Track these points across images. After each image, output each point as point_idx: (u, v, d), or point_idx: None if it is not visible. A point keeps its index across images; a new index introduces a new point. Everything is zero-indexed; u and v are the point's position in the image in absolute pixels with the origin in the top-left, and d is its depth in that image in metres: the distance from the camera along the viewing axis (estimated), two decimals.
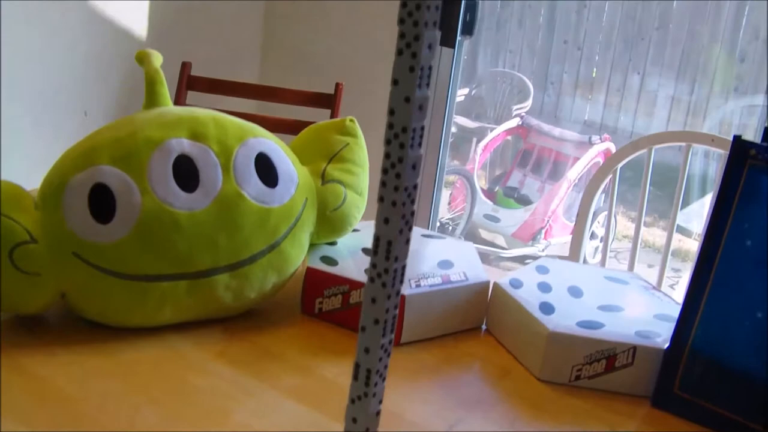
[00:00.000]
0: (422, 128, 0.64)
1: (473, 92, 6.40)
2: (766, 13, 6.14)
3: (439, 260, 1.36)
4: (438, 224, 4.68)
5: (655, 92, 6.71)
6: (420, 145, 0.63)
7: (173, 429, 0.96)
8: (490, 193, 5.24)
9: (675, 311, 1.27)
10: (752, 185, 1.12)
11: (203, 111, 1.29)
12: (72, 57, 2.70)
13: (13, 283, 1.11)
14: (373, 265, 0.65)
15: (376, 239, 0.63)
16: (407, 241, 0.64)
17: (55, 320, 1.19)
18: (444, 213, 4.97)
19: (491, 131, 5.70)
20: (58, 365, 1.07)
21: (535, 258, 4.98)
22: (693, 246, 4.95)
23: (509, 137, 5.46)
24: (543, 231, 4.87)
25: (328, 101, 2.72)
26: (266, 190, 1.22)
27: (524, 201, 5.16)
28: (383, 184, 0.63)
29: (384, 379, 0.65)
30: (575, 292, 1.31)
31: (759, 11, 6.23)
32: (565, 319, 1.21)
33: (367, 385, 0.64)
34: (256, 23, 3.26)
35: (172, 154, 1.18)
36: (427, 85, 0.64)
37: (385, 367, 0.65)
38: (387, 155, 0.63)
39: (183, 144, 1.20)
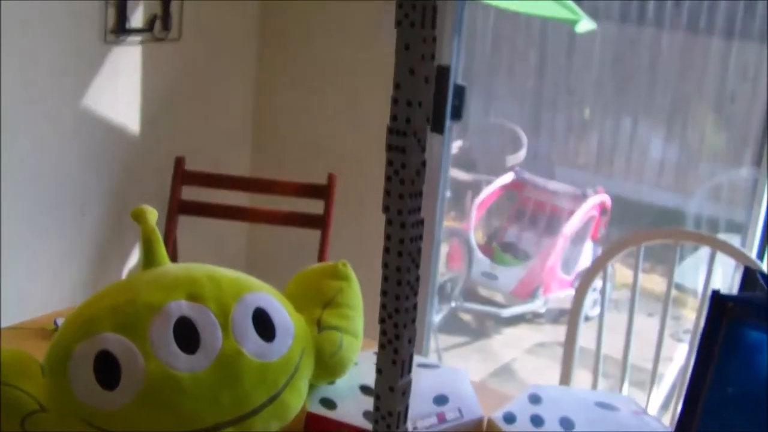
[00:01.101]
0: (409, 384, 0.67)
1: (467, 144, 6.45)
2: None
3: (434, 395, 1.39)
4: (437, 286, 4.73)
5: (647, 132, 6.77)
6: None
7: None
8: (487, 248, 5.28)
9: None
10: (732, 336, 1.16)
11: (199, 269, 1.33)
12: (66, 156, 2.75)
13: None
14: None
15: None
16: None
17: None
18: (442, 270, 5.00)
19: (486, 184, 5.75)
20: None
21: (536, 315, 5.02)
22: (690, 298, 4.98)
23: (504, 192, 5.51)
24: (541, 287, 4.90)
25: (321, 192, 2.76)
26: (264, 345, 1.26)
27: (522, 256, 5.19)
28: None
29: None
30: (567, 423, 1.35)
31: (749, 53, 6.30)
32: None
33: None
34: (246, 114, 3.32)
35: (172, 318, 1.23)
36: (409, 370, 0.68)
37: None
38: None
39: (182, 306, 1.24)
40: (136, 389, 1.18)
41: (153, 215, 1.40)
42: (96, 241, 2.91)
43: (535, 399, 1.43)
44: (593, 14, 6.60)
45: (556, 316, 5.11)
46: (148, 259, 1.36)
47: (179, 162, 2.84)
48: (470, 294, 5.05)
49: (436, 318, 4.60)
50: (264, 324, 1.29)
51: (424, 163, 0.63)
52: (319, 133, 3.20)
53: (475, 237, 5.21)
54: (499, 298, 5.08)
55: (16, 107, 2.56)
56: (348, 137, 3.11)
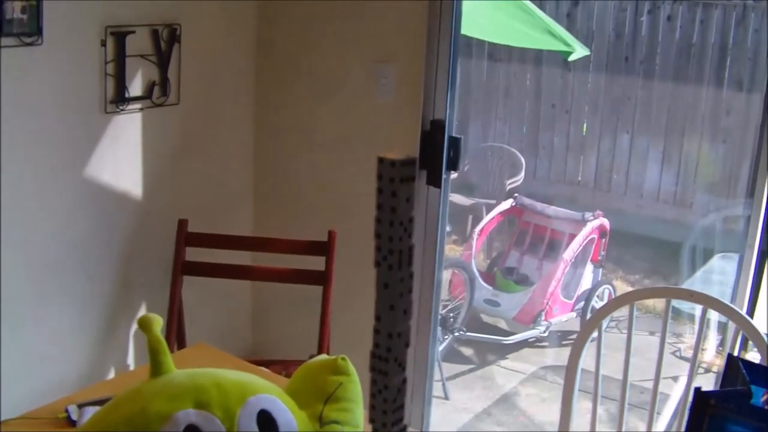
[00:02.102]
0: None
1: (466, 168, 6.51)
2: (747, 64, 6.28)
3: None
4: (438, 316, 4.78)
5: (645, 148, 6.82)
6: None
7: None
8: (489, 275, 5.33)
9: None
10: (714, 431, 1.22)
11: (205, 375, 1.38)
12: (71, 224, 2.81)
13: None
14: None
15: None
16: None
17: None
18: (445, 299, 5.05)
19: (485, 208, 5.80)
20: None
21: (539, 340, 5.07)
22: (696, 311, 5.03)
23: (504, 218, 5.56)
24: (543, 312, 4.96)
25: (322, 249, 2.82)
26: None
27: (523, 281, 5.24)
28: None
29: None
30: None
31: (740, 62, 6.36)
32: None
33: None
34: (246, 173, 3.38)
35: (180, 426, 1.29)
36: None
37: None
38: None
39: (190, 415, 1.30)
40: None
41: (158, 323, 1.46)
42: (103, 305, 2.97)
43: None
44: (587, 35, 6.68)
45: (558, 340, 5.16)
46: (156, 368, 1.42)
47: (182, 224, 2.90)
48: (473, 321, 5.10)
49: (440, 347, 4.66)
50: (268, 425, 1.35)
51: (404, 381, 0.69)
52: (319, 188, 3.25)
53: (477, 264, 5.26)
54: (502, 324, 5.13)
55: (20, 177, 2.62)
56: (347, 192, 3.17)
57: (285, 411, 1.38)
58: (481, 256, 5.76)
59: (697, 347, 2.15)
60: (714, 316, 3.61)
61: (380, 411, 0.69)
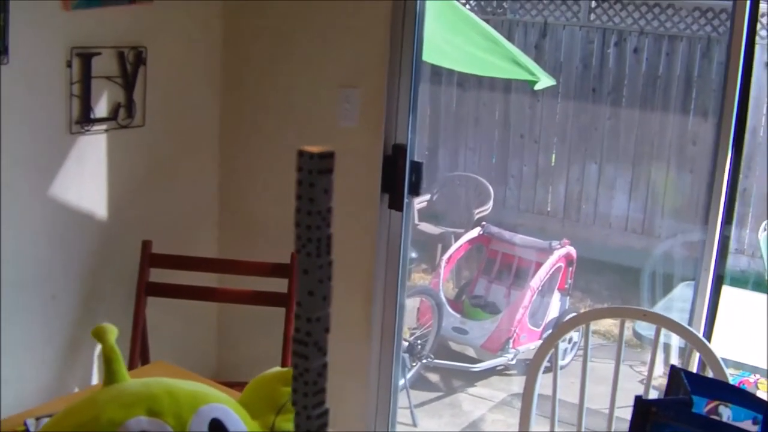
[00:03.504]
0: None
1: (435, 197, 6.55)
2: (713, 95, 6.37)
3: None
4: (406, 344, 4.80)
5: (612, 178, 6.89)
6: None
7: None
8: (456, 303, 5.35)
9: None
10: None
11: (158, 384, 1.40)
12: (36, 243, 2.81)
13: None
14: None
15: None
16: None
17: None
18: (413, 326, 5.07)
19: (454, 237, 5.84)
20: None
21: (506, 367, 5.09)
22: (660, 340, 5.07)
23: (472, 246, 5.59)
24: (511, 340, 4.98)
25: (285, 271, 2.84)
26: None
27: (492, 309, 5.26)
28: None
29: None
30: None
31: (705, 93, 6.46)
32: None
33: None
34: (211, 195, 3.39)
35: None
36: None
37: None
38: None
39: (141, 422, 1.32)
40: None
41: (112, 333, 1.47)
42: (67, 324, 2.97)
43: None
44: (555, 66, 6.77)
45: (526, 367, 5.18)
46: (110, 376, 1.44)
47: (146, 245, 2.91)
48: (442, 349, 5.11)
49: (408, 374, 4.67)
50: None
51: (325, 365, 0.71)
52: (283, 211, 3.26)
53: (445, 291, 5.29)
54: (470, 352, 5.14)
55: None
56: None
57: (237, 420, 1.40)
58: (449, 285, 5.78)
59: (651, 366, 2.17)
60: (675, 342, 3.64)
61: (301, 394, 0.72)
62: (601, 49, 6.84)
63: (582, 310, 5.74)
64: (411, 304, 4.99)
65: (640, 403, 1.26)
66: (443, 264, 5.30)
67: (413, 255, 5.50)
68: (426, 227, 6.15)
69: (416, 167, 2.96)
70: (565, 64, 6.88)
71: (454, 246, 5.45)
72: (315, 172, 0.75)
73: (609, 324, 5.77)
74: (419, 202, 6.25)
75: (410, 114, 2.93)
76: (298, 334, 0.72)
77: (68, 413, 1.36)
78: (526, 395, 2.20)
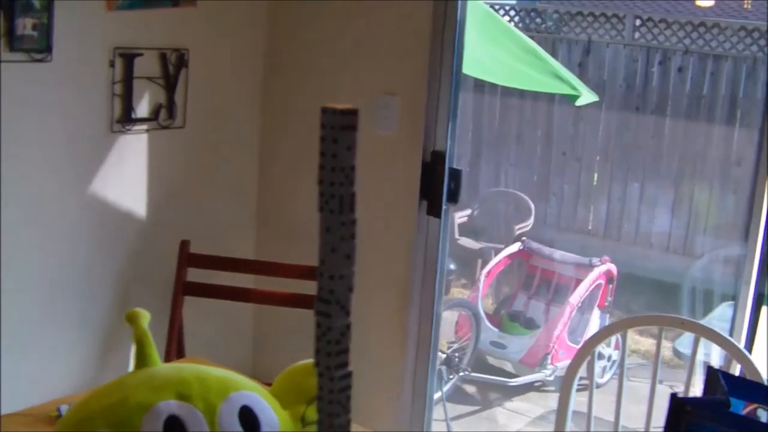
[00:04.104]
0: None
1: (475, 212, 6.52)
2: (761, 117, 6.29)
3: None
4: (444, 356, 4.77)
5: (655, 197, 6.82)
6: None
7: None
8: (495, 318, 5.32)
9: None
10: None
11: (188, 369, 1.39)
12: (74, 241, 2.83)
13: None
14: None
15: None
16: None
17: None
18: (451, 339, 5.03)
19: (494, 252, 5.80)
20: None
21: (544, 384, 5.04)
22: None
23: (512, 261, 5.56)
24: (549, 356, 4.93)
25: None
26: None
27: (530, 324, 5.22)
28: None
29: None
30: None
31: (751, 114, 6.38)
32: None
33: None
34: (251, 197, 3.40)
35: (161, 417, 1.29)
36: None
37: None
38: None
39: (171, 406, 1.31)
40: None
41: (145, 318, 1.47)
42: (104, 324, 2.98)
43: None
44: (598, 83, 6.73)
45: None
46: (140, 360, 1.43)
47: (184, 245, 2.92)
48: (479, 363, 5.08)
49: (445, 387, 4.63)
50: (250, 421, 1.35)
51: (348, 326, 0.70)
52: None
53: (484, 306, 5.25)
54: (508, 366, 5.10)
55: (24, 193, 2.65)
56: None
57: (267, 408, 1.38)
58: (488, 300, 5.75)
59: (689, 378, 2.13)
60: (716, 358, 3.58)
61: (324, 354, 0.70)
62: (645, 68, 6.78)
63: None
64: (449, 317, 4.96)
65: (675, 401, 1.23)
66: (482, 278, 5.27)
67: (451, 267, 5.48)
68: (466, 242, 6.13)
69: (455, 174, 2.94)
70: (609, 82, 6.84)
71: (494, 260, 5.42)
72: (338, 128, 0.74)
73: (649, 344, 5.70)
74: (460, 216, 6.23)
75: (449, 121, 2.91)
76: (321, 293, 0.71)
77: (96, 395, 1.36)
78: (563, 400, 2.17)
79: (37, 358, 2.79)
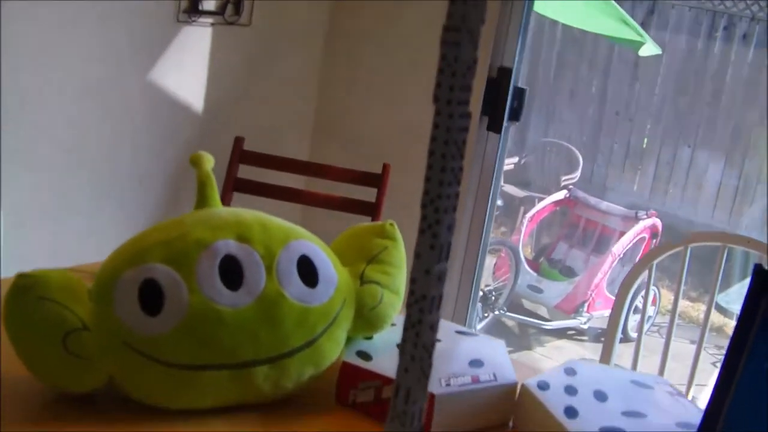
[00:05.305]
0: (440, 296, 0.68)
1: (522, 161, 6.46)
2: None
3: (470, 359, 1.41)
4: (481, 293, 4.73)
5: (705, 165, 6.72)
6: (438, 309, 0.69)
7: None
8: (534, 264, 5.28)
9: (698, 420, 1.31)
10: None
11: (249, 214, 1.36)
12: (130, 128, 2.81)
13: (64, 365, 1.19)
14: (393, 407, 0.70)
15: (397, 386, 0.69)
16: (425, 388, 0.70)
17: (100, 398, 1.26)
18: (488, 280, 5.00)
19: (538, 201, 5.75)
20: None
21: (578, 332, 5.00)
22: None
23: (556, 209, 5.50)
24: (586, 304, 4.89)
25: (376, 181, 2.79)
26: (307, 291, 1.29)
27: (568, 273, 5.18)
28: (404, 340, 0.69)
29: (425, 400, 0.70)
30: (600, 396, 1.36)
31: None
32: (589, 424, 1.25)
33: (406, 404, 0.69)
34: (309, 102, 3.36)
35: (218, 255, 1.26)
36: (446, 258, 0.69)
37: (425, 388, 0.69)
38: (408, 316, 0.68)
39: (230, 245, 1.28)
40: (178, 319, 1.21)
41: (209, 161, 1.44)
42: (152, 211, 2.97)
43: (570, 372, 1.44)
44: (659, 45, 6.60)
45: (598, 335, 5.09)
46: (201, 201, 1.41)
47: (238, 141, 2.89)
48: (514, 306, 5.04)
49: (479, 324, 4.61)
50: (308, 271, 1.32)
51: (475, 61, 0.65)
52: (379, 125, 3.24)
53: (524, 252, 5.21)
54: (542, 311, 5.07)
55: (86, 74, 2.63)
56: (403, 135, 3.15)
57: (326, 261, 1.35)
58: (529, 246, 5.70)
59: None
60: None
61: (446, 87, 0.65)
62: (708, 32, 6.65)
63: (662, 290, 5.62)
64: (488, 259, 4.94)
65: (760, 271, 1.18)
66: (526, 222, 5.22)
67: (498, 202, 5.43)
68: (510, 189, 6.07)
69: (519, 93, 2.89)
70: (670, 44, 6.71)
71: (539, 206, 5.37)
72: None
73: (686, 305, 5.63)
74: (506, 163, 6.17)
75: (519, 37, 2.85)
76: (450, 20, 0.66)
77: (153, 231, 1.33)
78: (614, 315, 2.13)
79: (88, 235, 2.79)
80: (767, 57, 6.35)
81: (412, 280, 0.68)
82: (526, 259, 5.15)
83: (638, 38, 4.84)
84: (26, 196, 2.59)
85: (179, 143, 2.97)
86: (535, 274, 5.08)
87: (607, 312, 4.99)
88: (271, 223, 1.35)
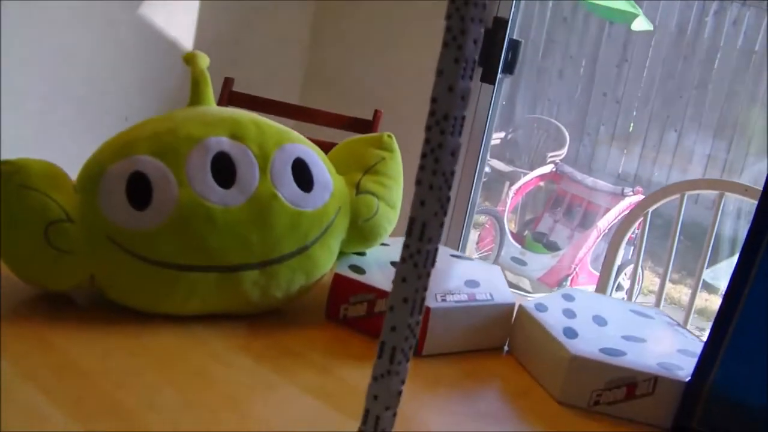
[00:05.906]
0: (463, 117, 0.65)
1: (509, 137, 6.42)
2: None
3: (466, 279, 1.36)
4: None
5: (691, 150, 6.71)
6: (460, 133, 0.64)
7: (191, 412, 0.96)
8: (518, 237, 5.24)
9: (699, 348, 1.26)
10: None
11: (245, 113, 1.31)
12: (118, 64, 2.75)
13: (45, 258, 1.13)
14: (406, 246, 0.65)
15: (411, 220, 0.64)
16: (441, 225, 0.65)
17: (82, 300, 1.21)
18: (471, 252, 4.96)
19: (524, 176, 5.71)
20: (81, 341, 1.09)
21: None
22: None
23: (542, 183, 5.47)
24: (569, 278, 4.86)
25: (366, 127, 2.73)
26: (301, 194, 1.24)
27: (552, 247, 5.15)
28: (422, 168, 0.64)
29: (408, 360, 0.66)
30: (599, 320, 1.31)
31: None
32: (588, 344, 1.20)
33: (391, 363, 0.65)
34: (301, 47, 3.30)
35: (211, 151, 1.20)
36: (470, 78, 0.66)
37: (410, 347, 0.65)
38: (427, 141, 0.64)
39: (222, 142, 1.22)
40: (166, 214, 1.15)
41: (204, 60, 1.38)
42: None
43: (568, 297, 1.39)
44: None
45: None
46: (195, 98, 1.35)
47: (227, 82, 2.82)
48: None
49: None
50: (303, 175, 1.26)
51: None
52: (369, 76, 3.19)
53: (509, 223, 5.17)
54: (525, 284, 5.04)
55: (72, 10, 2.56)
56: (397, 84, 3.10)
57: (322, 167, 1.30)
58: (513, 219, 5.67)
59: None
60: None
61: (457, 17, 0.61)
62: (699, 17, 6.62)
63: (646, 266, 5.59)
64: (472, 232, 4.89)
65: None
66: (511, 194, 5.18)
67: (486, 169, 5.39)
68: (496, 164, 6.04)
69: (514, 45, 2.85)
70: (659, 27, 6.68)
71: (524, 179, 5.34)
72: None
73: (668, 288, 5.61)
74: (493, 138, 6.13)
75: None
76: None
77: (143, 123, 1.26)
78: (610, 253, 2.09)
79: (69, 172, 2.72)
80: (756, 44, 6.34)
81: (433, 100, 0.63)
82: (511, 231, 5.11)
83: (633, 10, 4.80)
84: (9, 129, 2.53)
85: (167, 81, 2.91)
86: (519, 247, 5.04)
87: (590, 288, 4.96)
88: (266, 123, 1.30)
